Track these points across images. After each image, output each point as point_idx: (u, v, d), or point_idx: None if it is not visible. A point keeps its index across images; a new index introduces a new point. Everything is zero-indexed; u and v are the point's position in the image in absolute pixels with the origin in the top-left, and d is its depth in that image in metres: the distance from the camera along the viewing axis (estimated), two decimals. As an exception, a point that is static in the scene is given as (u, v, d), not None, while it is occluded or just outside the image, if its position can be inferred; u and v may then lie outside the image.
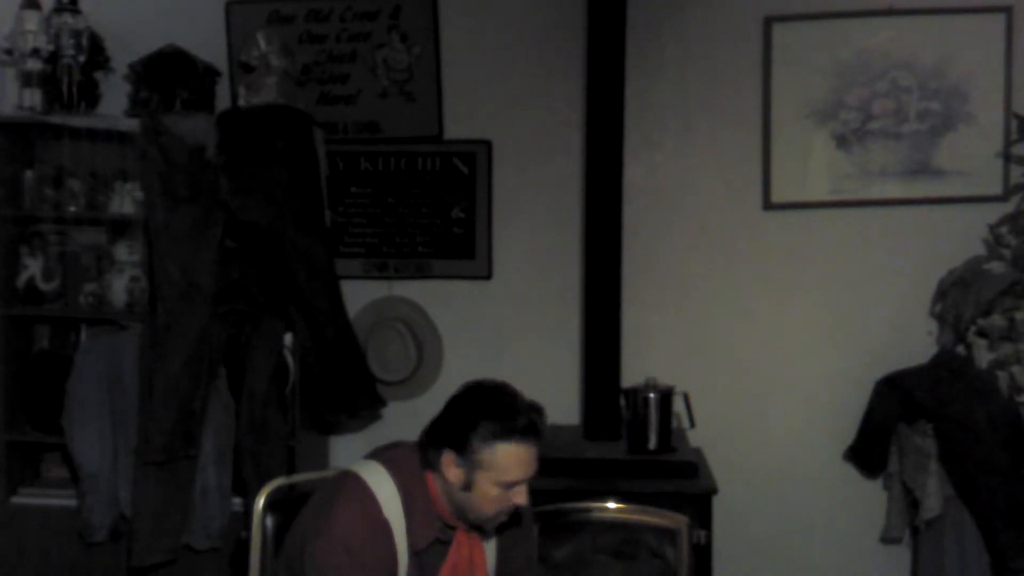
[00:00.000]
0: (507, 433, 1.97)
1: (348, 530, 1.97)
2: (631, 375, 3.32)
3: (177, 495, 3.25)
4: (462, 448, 1.98)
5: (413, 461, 2.07)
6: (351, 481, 2.05)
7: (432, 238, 3.78)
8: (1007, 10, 3.47)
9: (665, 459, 3.15)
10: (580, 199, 3.57)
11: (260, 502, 2.41)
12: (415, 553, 2.03)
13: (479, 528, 2.11)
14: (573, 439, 3.33)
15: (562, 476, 3.08)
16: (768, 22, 3.58)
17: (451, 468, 2.00)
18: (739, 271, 3.63)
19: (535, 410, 2.02)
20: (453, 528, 2.09)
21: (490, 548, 2.18)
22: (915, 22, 3.52)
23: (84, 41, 3.49)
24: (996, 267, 3.40)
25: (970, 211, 3.50)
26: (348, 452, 3.64)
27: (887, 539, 3.50)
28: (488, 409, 1.99)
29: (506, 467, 1.97)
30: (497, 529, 2.15)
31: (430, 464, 2.04)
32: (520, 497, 2.02)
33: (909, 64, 3.52)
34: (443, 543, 2.08)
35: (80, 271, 3.59)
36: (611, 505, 2.97)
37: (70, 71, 3.48)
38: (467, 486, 1.99)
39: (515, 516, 2.11)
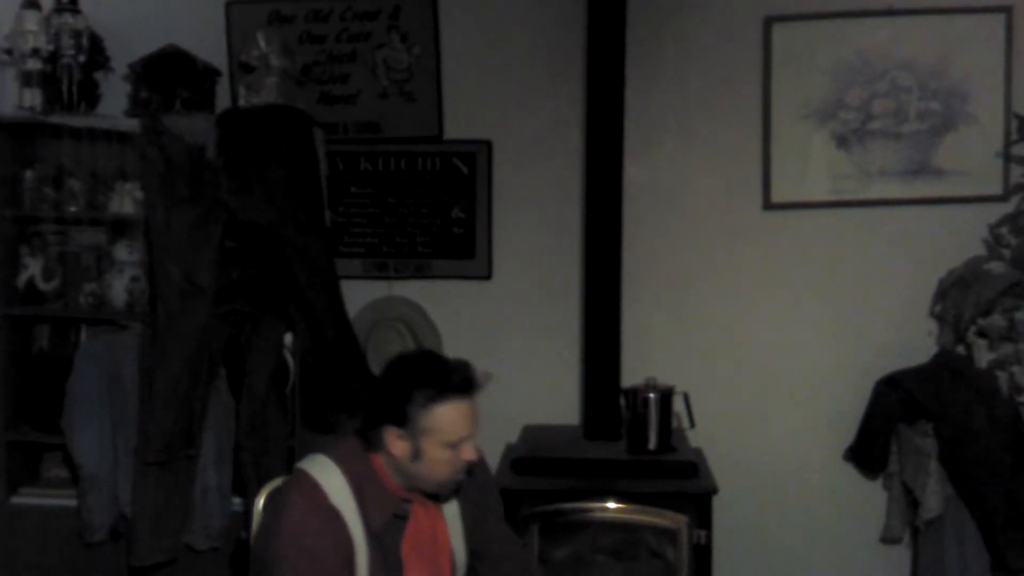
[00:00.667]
0: (441, 393, 2.00)
1: (297, 524, 1.99)
2: (631, 375, 3.32)
3: (177, 495, 3.25)
4: (402, 421, 2.00)
5: (357, 448, 2.10)
6: (298, 477, 2.08)
7: (432, 238, 3.78)
8: (1007, 10, 3.47)
9: (665, 459, 3.15)
10: (580, 199, 3.57)
11: (260, 502, 2.41)
12: (374, 536, 2.05)
13: (436, 497, 2.14)
14: (573, 439, 3.33)
15: (562, 476, 3.08)
16: (768, 22, 3.58)
17: (396, 443, 2.02)
18: (739, 271, 3.63)
19: (463, 366, 2.06)
20: (409, 502, 2.11)
21: (453, 517, 2.20)
22: (915, 22, 3.52)
23: (84, 41, 3.49)
24: (996, 267, 3.40)
25: (970, 211, 3.50)
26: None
27: (887, 539, 3.50)
28: (418, 376, 2.03)
29: (448, 426, 2.00)
30: (456, 494, 2.18)
31: (374, 446, 2.06)
32: (468, 453, 2.04)
33: (909, 64, 3.53)
34: (401, 518, 2.10)
35: (80, 271, 3.59)
36: (611, 505, 2.97)
37: (70, 71, 3.48)
38: (416, 455, 2.02)
39: (468, 473, 2.13)
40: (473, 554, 2.25)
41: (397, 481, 2.08)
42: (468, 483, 2.16)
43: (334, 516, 2.01)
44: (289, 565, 1.97)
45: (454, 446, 2.01)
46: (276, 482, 2.34)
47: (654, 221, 3.63)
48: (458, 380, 2.02)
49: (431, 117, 3.75)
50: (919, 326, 3.53)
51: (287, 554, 1.97)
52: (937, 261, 3.49)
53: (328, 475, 2.05)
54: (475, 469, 2.15)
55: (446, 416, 2.00)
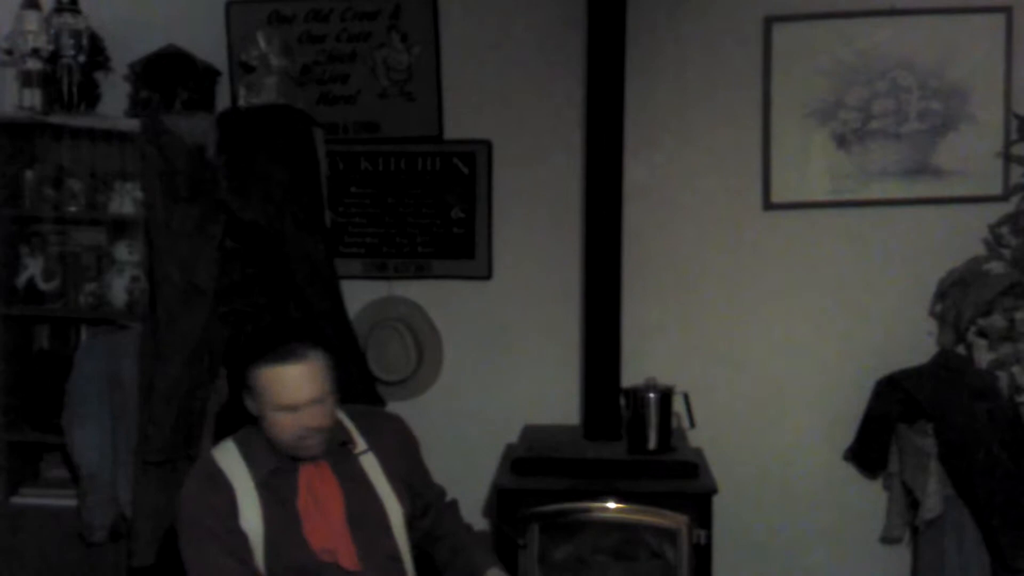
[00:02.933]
0: (266, 360, 2.16)
1: (185, 498, 2.22)
2: (631, 375, 3.32)
3: (177, 495, 3.24)
4: (248, 387, 2.20)
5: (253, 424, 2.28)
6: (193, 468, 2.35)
7: (432, 238, 3.78)
8: (1007, 10, 3.47)
9: (665, 459, 3.15)
10: (580, 199, 3.56)
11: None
12: (264, 487, 2.20)
13: (309, 458, 2.24)
14: (573, 439, 3.33)
15: (562, 476, 3.08)
16: (768, 22, 3.58)
17: (250, 405, 2.22)
18: (739, 271, 3.63)
19: (296, 339, 2.21)
20: (295, 460, 2.24)
21: (376, 474, 2.32)
22: (915, 22, 3.52)
23: (84, 41, 3.49)
24: (996, 267, 3.41)
25: (970, 211, 3.50)
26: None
27: (887, 539, 3.50)
28: (258, 349, 2.21)
29: (275, 390, 2.15)
30: (377, 452, 2.34)
31: (247, 413, 2.25)
32: (310, 419, 2.16)
33: (909, 64, 3.52)
34: (287, 472, 2.23)
35: (80, 271, 3.59)
36: (611, 505, 2.97)
37: (70, 71, 3.48)
38: (262, 418, 2.19)
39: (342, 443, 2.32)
40: (412, 507, 2.38)
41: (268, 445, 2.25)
42: (384, 441, 2.36)
43: (215, 474, 2.21)
44: (184, 538, 2.18)
45: (289, 409, 2.15)
46: None
47: (654, 221, 3.63)
48: (281, 349, 2.17)
49: (431, 117, 3.75)
50: (919, 326, 3.53)
51: (184, 524, 2.19)
52: (937, 261, 3.49)
53: (220, 448, 2.29)
54: (388, 428, 2.42)
55: (269, 379, 2.15)
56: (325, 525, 2.20)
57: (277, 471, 2.22)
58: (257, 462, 2.22)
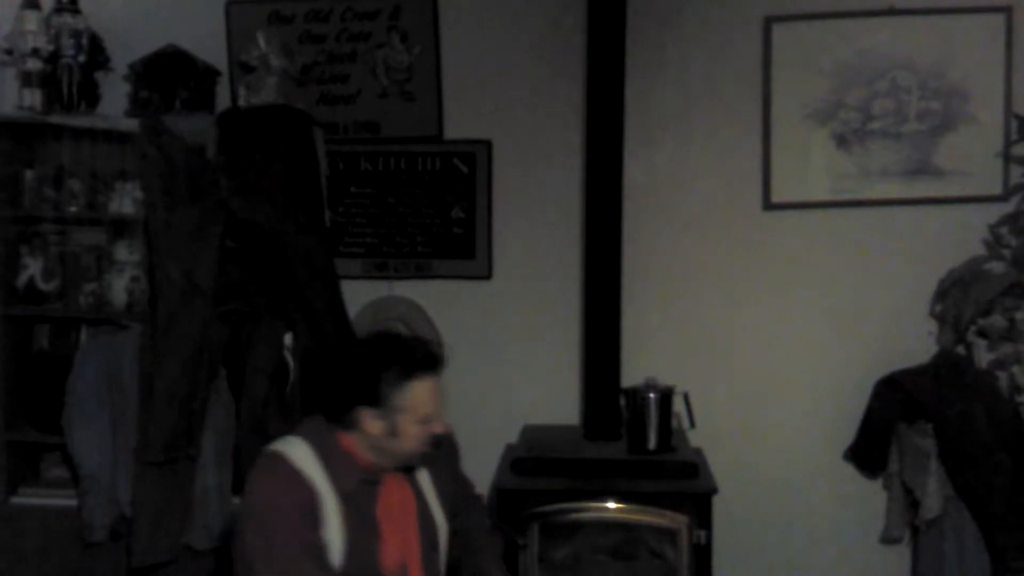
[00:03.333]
0: (412, 371, 2.08)
1: (259, 491, 2.08)
2: (631, 375, 3.32)
3: (177, 495, 3.25)
4: (376, 401, 2.07)
5: (321, 425, 2.16)
6: (262, 454, 2.16)
7: (432, 238, 3.78)
8: (1007, 10, 3.47)
9: (665, 459, 3.15)
10: (580, 199, 3.57)
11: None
12: (345, 497, 2.09)
13: (406, 468, 2.21)
14: (573, 439, 3.33)
15: (562, 476, 3.08)
16: (768, 22, 3.58)
17: (371, 422, 2.09)
18: (739, 271, 3.63)
19: (425, 343, 2.16)
20: (379, 472, 2.17)
21: (428, 488, 2.28)
22: (915, 22, 3.52)
23: (84, 41, 3.50)
24: (996, 267, 3.41)
25: (970, 211, 3.50)
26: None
27: (887, 539, 3.50)
28: (386, 357, 2.09)
29: (422, 403, 2.08)
30: (430, 467, 2.28)
31: (345, 425, 2.12)
32: (439, 426, 2.15)
33: (909, 64, 3.53)
34: (371, 483, 2.15)
35: (80, 271, 3.58)
36: (611, 505, 2.98)
37: (70, 71, 3.48)
38: (392, 433, 2.09)
39: (435, 445, 2.22)
40: (450, 517, 2.34)
41: (369, 457, 2.14)
42: (437, 454, 2.26)
43: (295, 476, 2.07)
44: (255, 527, 2.05)
45: (427, 421, 2.10)
46: None
47: (654, 221, 3.63)
48: (423, 355, 2.10)
49: (431, 117, 3.75)
50: (919, 326, 3.53)
51: (252, 518, 2.06)
52: (937, 261, 3.49)
53: (292, 447, 2.12)
54: (442, 439, 2.26)
55: (418, 393, 2.08)
56: (401, 541, 2.16)
57: (361, 485, 2.13)
58: (340, 474, 2.10)
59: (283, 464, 2.09)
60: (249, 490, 2.11)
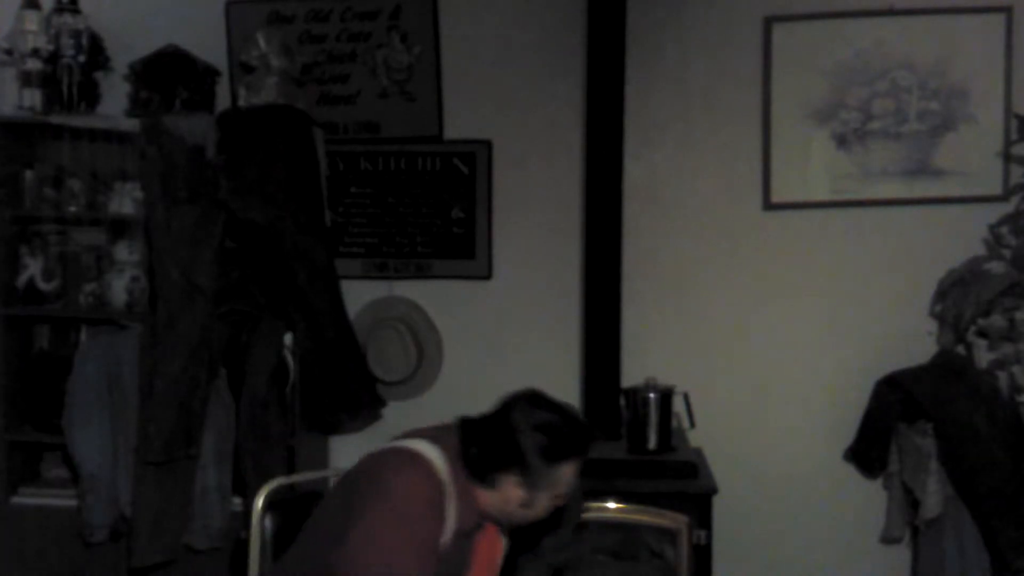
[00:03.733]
0: (573, 456, 2.08)
1: (412, 488, 1.98)
2: (631, 375, 3.32)
3: (177, 495, 3.25)
4: (525, 474, 2.04)
5: (455, 451, 2.08)
6: (408, 453, 2.05)
7: (432, 238, 3.78)
8: (1007, 10, 3.47)
9: (665, 459, 3.15)
10: (580, 199, 3.56)
11: (259, 502, 2.41)
12: (456, 532, 2.04)
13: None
14: (573, 439, 3.33)
15: (562, 476, 3.07)
16: (768, 22, 3.58)
17: (513, 489, 2.06)
18: (739, 271, 3.63)
19: (586, 425, 2.14)
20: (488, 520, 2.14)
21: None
22: (915, 22, 3.52)
23: (84, 41, 3.49)
24: (996, 267, 3.41)
25: (970, 211, 3.50)
26: (348, 452, 3.63)
27: (887, 539, 3.50)
28: (560, 439, 2.06)
29: (565, 483, 2.08)
30: None
31: (483, 479, 2.06)
32: (563, 499, 2.12)
33: (909, 64, 3.52)
34: (478, 528, 2.12)
35: (80, 271, 3.59)
36: (611, 505, 2.96)
37: (70, 71, 3.48)
38: (528, 504, 2.07)
39: None
40: None
41: (490, 511, 2.10)
42: None
43: (441, 494, 2.01)
44: (394, 524, 1.94)
45: (559, 496, 2.10)
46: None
47: (654, 221, 3.63)
48: (581, 442, 2.09)
49: (431, 117, 3.75)
50: (919, 326, 3.53)
51: (395, 513, 1.95)
52: (937, 261, 3.49)
53: (439, 463, 2.04)
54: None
55: (567, 473, 2.07)
56: None
57: (471, 527, 2.10)
58: (464, 512, 2.05)
59: (433, 472, 2.02)
60: (397, 480, 2.00)
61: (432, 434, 2.12)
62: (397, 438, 2.16)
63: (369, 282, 3.80)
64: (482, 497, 2.08)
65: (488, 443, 2.07)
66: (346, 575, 1.93)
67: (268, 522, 2.42)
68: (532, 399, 2.12)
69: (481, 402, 3.74)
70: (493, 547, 2.18)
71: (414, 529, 1.96)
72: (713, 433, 3.45)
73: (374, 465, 2.08)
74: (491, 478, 2.06)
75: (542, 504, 2.09)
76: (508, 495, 2.06)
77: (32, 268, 3.56)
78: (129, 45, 3.64)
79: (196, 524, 3.30)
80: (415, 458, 2.04)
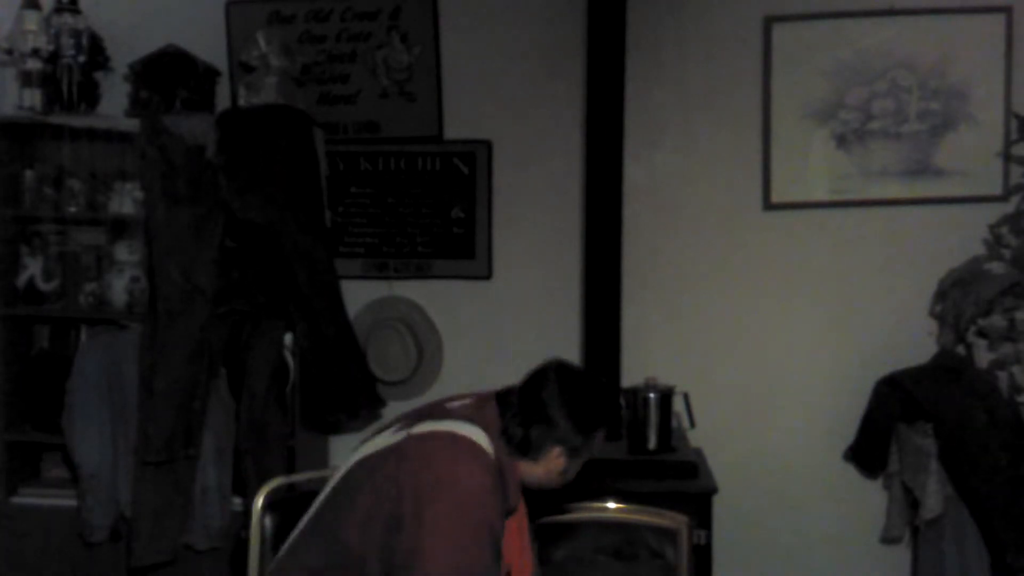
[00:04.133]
0: (608, 422, 2.19)
1: (476, 477, 1.99)
2: (631, 375, 3.32)
3: (177, 495, 3.25)
4: (572, 444, 2.10)
5: (495, 429, 2.09)
6: (460, 439, 2.03)
7: (432, 238, 3.78)
8: (1007, 10, 3.47)
9: (665, 459, 3.15)
10: (580, 199, 3.56)
11: (259, 502, 2.41)
12: (507, 512, 2.08)
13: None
14: (573, 439, 3.33)
15: (562, 476, 3.07)
16: (768, 22, 3.58)
17: (556, 460, 2.11)
18: (739, 271, 3.63)
19: (613, 387, 2.29)
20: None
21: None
22: (915, 22, 3.52)
23: (84, 41, 3.50)
24: (996, 267, 3.40)
25: (970, 211, 3.49)
26: (348, 452, 3.63)
27: (887, 539, 3.50)
28: (597, 409, 2.15)
29: (599, 445, 2.17)
30: None
31: (527, 452, 2.09)
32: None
33: (909, 64, 3.52)
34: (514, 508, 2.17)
35: (80, 271, 3.59)
36: (611, 505, 2.97)
37: (70, 71, 3.49)
38: (565, 471, 2.14)
39: None
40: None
41: (528, 484, 2.15)
42: None
43: (496, 478, 2.03)
44: (463, 518, 1.94)
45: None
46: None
47: (654, 221, 3.63)
48: (616, 407, 2.23)
49: (431, 117, 3.75)
50: (919, 326, 3.53)
51: (462, 508, 1.95)
52: (937, 261, 3.49)
53: (487, 446, 2.05)
54: None
55: (601, 439, 2.17)
56: (519, 551, 2.20)
57: (516, 505, 2.15)
58: (513, 492, 2.10)
59: (489, 460, 2.03)
60: (458, 468, 1.99)
61: (467, 414, 2.11)
62: (424, 415, 2.13)
63: (369, 282, 3.80)
64: (524, 470, 2.12)
65: (530, 420, 2.09)
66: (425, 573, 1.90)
67: (268, 522, 2.42)
68: (562, 371, 2.17)
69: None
70: (523, 521, 2.22)
71: (483, 520, 1.96)
72: (713, 433, 3.45)
73: (423, 451, 2.03)
74: (538, 450, 2.10)
75: (576, 469, 2.15)
76: (551, 466, 2.11)
77: (32, 268, 3.56)
78: (129, 45, 3.64)
79: (196, 524, 3.31)
80: (469, 445, 2.03)
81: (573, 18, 3.61)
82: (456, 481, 1.97)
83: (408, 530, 1.93)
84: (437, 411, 2.15)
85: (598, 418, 2.14)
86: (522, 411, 2.10)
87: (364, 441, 2.22)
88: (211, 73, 3.66)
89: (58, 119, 3.48)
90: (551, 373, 2.16)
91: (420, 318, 3.76)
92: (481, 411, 2.13)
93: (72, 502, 3.41)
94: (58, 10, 3.48)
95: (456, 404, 2.17)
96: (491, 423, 2.10)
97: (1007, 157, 3.47)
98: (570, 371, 2.19)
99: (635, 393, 3.20)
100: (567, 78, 3.65)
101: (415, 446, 2.05)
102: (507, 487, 2.07)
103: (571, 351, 3.64)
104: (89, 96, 3.59)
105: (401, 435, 2.09)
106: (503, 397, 2.14)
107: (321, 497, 2.14)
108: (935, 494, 3.21)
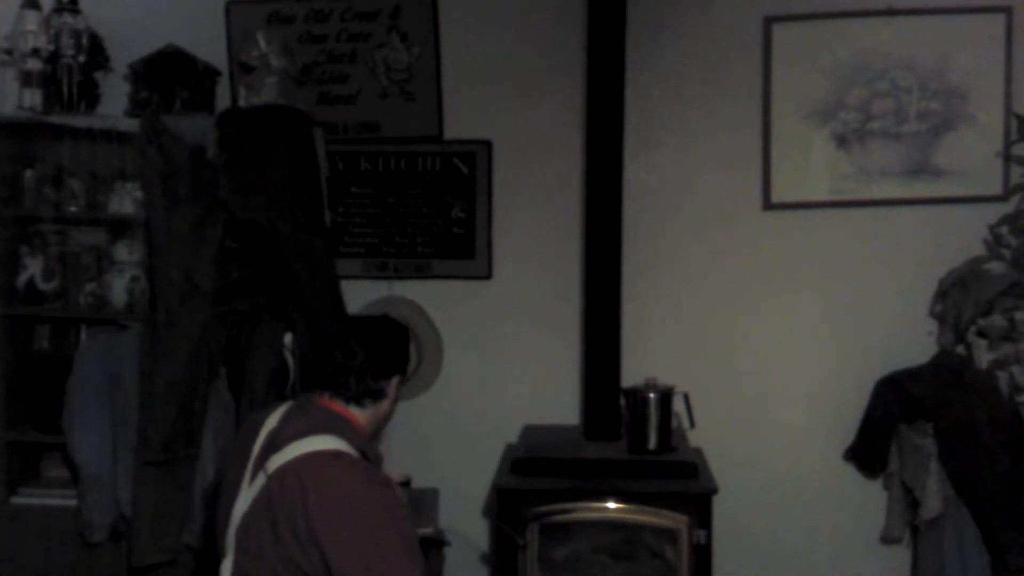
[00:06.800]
0: (405, 335, 2.36)
1: (384, 482, 2.04)
2: (631, 375, 3.32)
3: (177, 495, 3.25)
4: (406, 368, 2.31)
5: (332, 415, 2.15)
6: (326, 456, 2.02)
7: (432, 238, 3.78)
8: (1007, 10, 3.47)
9: (665, 459, 3.15)
10: (580, 199, 3.57)
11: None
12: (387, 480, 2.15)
13: None
14: (573, 439, 3.33)
15: (562, 476, 3.08)
16: (768, 22, 3.58)
17: (395, 387, 2.26)
18: (739, 271, 3.63)
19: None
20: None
21: None
22: (915, 22, 3.52)
23: (84, 41, 3.50)
24: (996, 267, 3.41)
25: (970, 211, 3.50)
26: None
27: (887, 539, 3.50)
28: (395, 326, 2.35)
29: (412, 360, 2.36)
30: None
31: (374, 397, 2.20)
32: None
33: (909, 64, 3.53)
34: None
35: (80, 271, 3.58)
36: (611, 505, 2.97)
37: (70, 71, 3.48)
38: (396, 397, 2.28)
39: None
40: None
41: (369, 431, 2.24)
42: None
43: (376, 471, 2.11)
44: (361, 529, 1.93)
45: None
46: (282, 460, 2.08)
47: (654, 221, 3.63)
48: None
49: (431, 117, 3.75)
50: (919, 326, 3.53)
51: (356, 519, 1.94)
52: (937, 261, 3.49)
53: (341, 446, 2.06)
54: None
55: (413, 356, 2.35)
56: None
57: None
58: (373, 454, 2.15)
59: (360, 463, 2.05)
60: (346, 478, 1.98)
61: (307, 427, 2.08)
62: (268, 449, 2.08)
63: (369, 282, 3.80)
64: (359, 423, 2.17)
65: (379, 360, 2.22)
66: None
67: (268, 522, 2.41)
68: (355, 322, 2.49)
69: (481, 402, 3.77)
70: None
71: (391, 523, 1.96)
72: (713, 433, 3.45)
73: (305, 477, 1.98)
74: (381, 390, 2.21)
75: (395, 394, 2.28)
76: (393, 394, 2.26)
77: (32, 268, 3.56)
78: (129, 45, 3.63)
79: (196, 524, 3.30)
80: (340, 455, 2.03)
81: (573, 18, 3.61)
82: (355, 498, 1.95)
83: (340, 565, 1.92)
84: (277, 441, 2.09)
85: (402, 339, 2.31)
86: (344, 372, 2.18)
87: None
88: (211, 73, 3.66)
89: (58, 119, 3.47)
90: (347, 327, 2.39)
91: (420, 318, 3.76)
92: (303, 416, 2.14)
93: (72, 502, 3.41)
94: (58, 10, 3.48)
95: (288, 429, 2.11)
96: (321, 414, 2.14)
97: (1007, 157, 3.48)
98: (359, 319, 2.46)
99: (635, 393, 3.20)
100: (567, 78, 3.65)
101: (286, 478, 2.00)
102: (372, 454, 2.14)
103: (571, 351, 3.65)
104: (89, 96, 3.59)
105: (260, 480, 2.05)
106: (326, 379, 2.19)
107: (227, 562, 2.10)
108: (935, 494, 3.21)
